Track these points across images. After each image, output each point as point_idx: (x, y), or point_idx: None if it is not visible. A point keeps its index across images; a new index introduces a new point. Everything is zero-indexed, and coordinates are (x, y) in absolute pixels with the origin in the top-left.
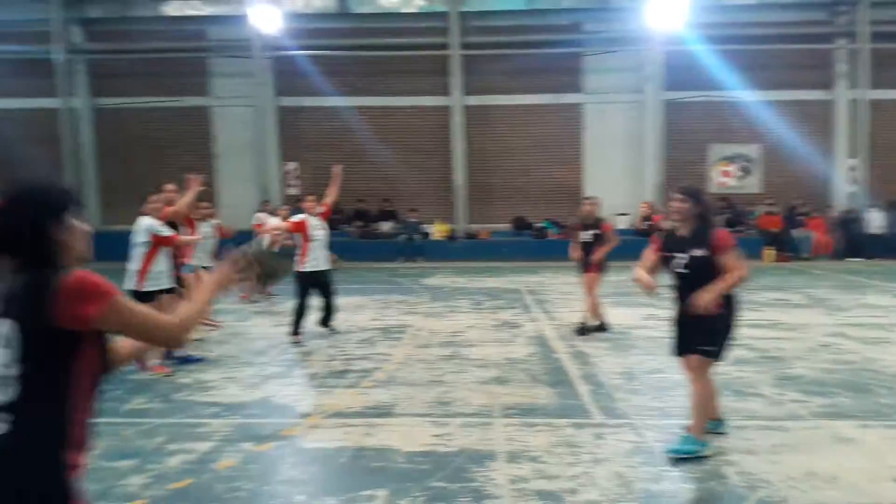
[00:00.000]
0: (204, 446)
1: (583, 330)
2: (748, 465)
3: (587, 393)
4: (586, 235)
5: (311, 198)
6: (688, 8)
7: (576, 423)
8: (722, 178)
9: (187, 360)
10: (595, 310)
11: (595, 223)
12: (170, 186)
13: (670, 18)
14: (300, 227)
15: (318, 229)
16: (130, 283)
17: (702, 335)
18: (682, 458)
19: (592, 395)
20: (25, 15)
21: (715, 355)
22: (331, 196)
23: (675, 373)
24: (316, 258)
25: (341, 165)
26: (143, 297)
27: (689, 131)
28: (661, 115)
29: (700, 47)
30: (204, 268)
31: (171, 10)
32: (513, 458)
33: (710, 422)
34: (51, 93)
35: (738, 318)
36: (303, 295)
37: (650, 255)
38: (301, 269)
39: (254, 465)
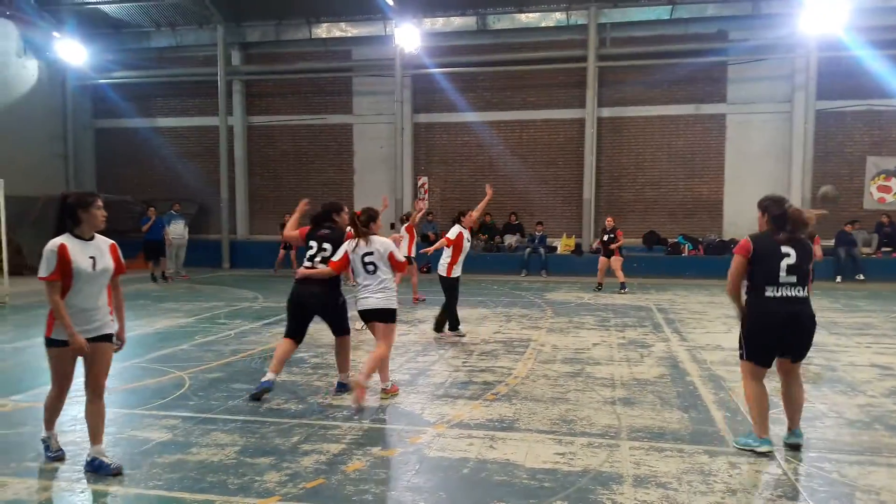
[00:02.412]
0: (335, 448)
1: None
2: None
3: (722, 419)
4: None
5: (470, 212)
6: (846, 11)
7: (709, 451)
8: (880, 193)
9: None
10: None
11: None
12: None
13: (825, 23)
14: (459, 240)
15: (468, 241)
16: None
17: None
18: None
19: (728, 422)
20: (194, 40)
21: (741, 356)
22: (478, 211)
23: (819, 402)
24: (460, 265)
25: (491, 189)
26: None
27: (843, 143)
28: (811, 126)
29: (860, 52)
30: None
31: (321, 32)
32: (640, 482)
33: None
34: (211, 112)
35: (755, 321)
36: (456, 295)
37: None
38: (451, 276)
39: (380, 470)
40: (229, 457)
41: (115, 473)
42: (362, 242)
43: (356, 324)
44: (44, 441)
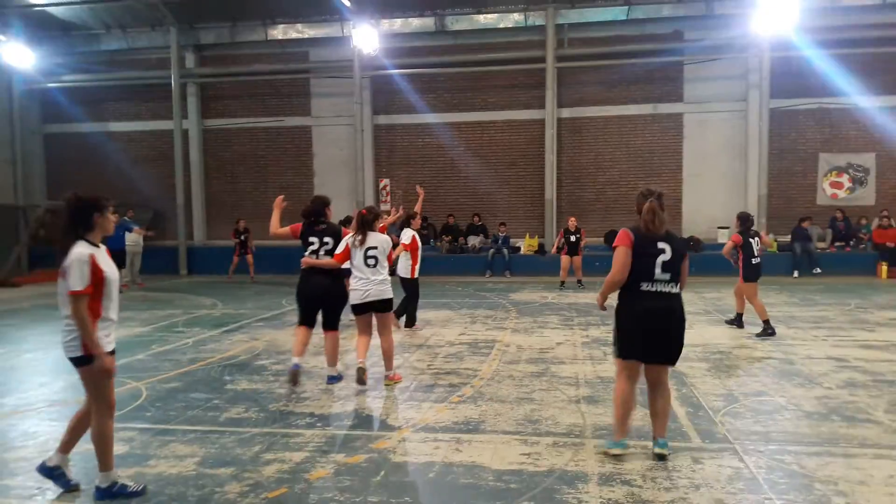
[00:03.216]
0: (298, 456)
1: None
2: (860, 497)
3: (684, 415)
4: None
5: (417, 215)
6: (797, 11)
7: (672, 447)
8: (832, 189)
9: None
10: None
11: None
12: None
13: (777, 23)
14: (415, 243)
15: (420, 241)
16: None
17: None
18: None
19: (690, 418)
20: (147, 42)
21: (615, 353)
22: (418, 211)
23: (778, 395)
24: (419, 265)
25: (422, 189)
26: None
27: (796, 141)
28: (766, 124)
29: (810, 52)
30: None
31: (276, 33)
32: (605, 480)
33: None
34: (165, 115)
35: (629, 315)
36: (417, 295)
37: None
38: (414, 277)
39: (345, 477)
40: (188, 468)
41: (70, 490)
42: (366, 238)
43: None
44: (110, 486)
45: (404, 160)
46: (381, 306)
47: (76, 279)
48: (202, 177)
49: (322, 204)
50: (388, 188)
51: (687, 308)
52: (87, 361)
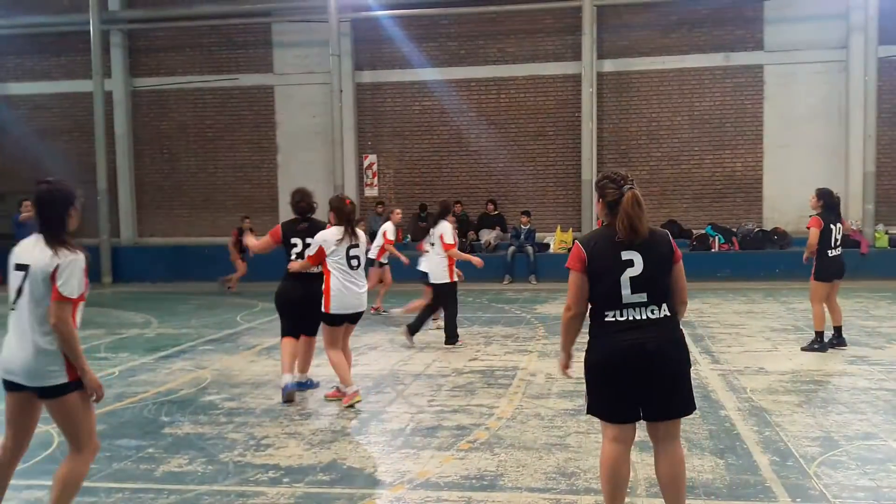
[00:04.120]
0: None
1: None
2: None
3: (768, 465)
4: None
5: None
6: None
7: None
8: None
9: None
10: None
11: None
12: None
13: None
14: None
15: None
16: None
17: None
18: None
19: (776, 469)
20: None
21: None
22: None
23: (893, 439)
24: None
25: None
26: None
27: None
28: (873, 79)
29: None
30: None
31: None
32: None
33: None
34: (82, 73)
35: (595, 357)
36: (456, 302)
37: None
38: (453, 280)
39: None
40: None
41: None
42: (349, 234)
43: None
44: None
45: (396, 130)
46: (358, 318)
47: (73, 284)
48: (130, 154)
49: (310, 198)
50: (374, 167)
51: (771, 323)
52: (76, 388)
